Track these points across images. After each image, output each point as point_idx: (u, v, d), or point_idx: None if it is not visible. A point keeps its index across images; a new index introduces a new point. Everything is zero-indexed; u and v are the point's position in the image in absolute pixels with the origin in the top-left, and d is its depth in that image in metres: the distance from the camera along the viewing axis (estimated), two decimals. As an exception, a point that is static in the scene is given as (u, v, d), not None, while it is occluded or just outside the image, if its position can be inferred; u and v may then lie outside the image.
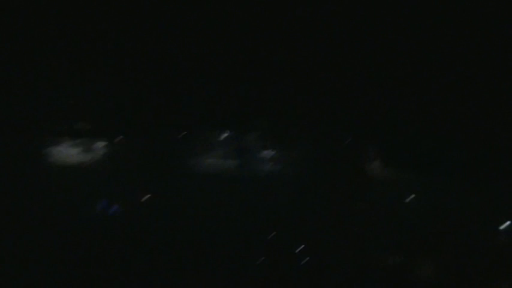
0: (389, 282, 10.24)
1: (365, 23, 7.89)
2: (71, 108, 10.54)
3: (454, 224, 10.70)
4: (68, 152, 11.40)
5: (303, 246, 10.79)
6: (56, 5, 7.96)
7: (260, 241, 11.07)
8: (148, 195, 11.25)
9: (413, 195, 11.00)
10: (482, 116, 9.49)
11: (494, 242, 10.49)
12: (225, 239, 11.00)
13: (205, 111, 10.94)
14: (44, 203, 10.92)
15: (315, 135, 11.03)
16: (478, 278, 9.83)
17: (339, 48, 8.65)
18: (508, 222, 10.39)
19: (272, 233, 11.18)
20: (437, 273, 9.90)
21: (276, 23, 8.39)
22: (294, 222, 11.13)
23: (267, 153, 11.43)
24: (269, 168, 11.53)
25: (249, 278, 10.52)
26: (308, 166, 11.23)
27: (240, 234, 11.12)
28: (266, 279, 10.55)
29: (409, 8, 7.40)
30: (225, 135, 11.33)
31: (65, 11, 8.17)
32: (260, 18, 8.31)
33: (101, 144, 11.30)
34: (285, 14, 8.25)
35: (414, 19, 7.62)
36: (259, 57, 9.40)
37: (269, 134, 11.03)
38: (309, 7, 7.72)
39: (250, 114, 10.75)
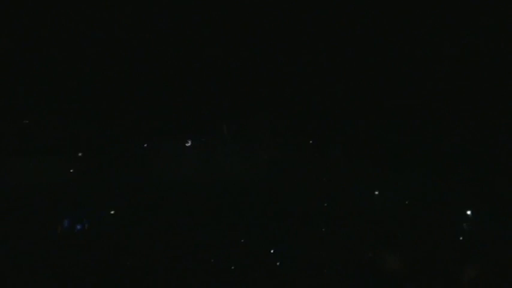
0: (361, 278, 10.46)
1: (346, 23, 7.99)
2: (31, 126, 10.23)
3: (419, 217, 11.02)
4: (32, 170, 11.08)
5: (276, 248, 10.90)
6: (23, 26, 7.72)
7: (231, 245, 11.10)
8: (113, 211, 11.10)
9: (377, 192, 11.32)
10: (443, 107, 9.78)
11: (459, 233, 10.88)
12: (195, 244, 10.98)
13: (166, 119, 10.84)
14: (10, 222, 10.59)
15: (280, 138, 11.11)
16: (446, 268, 10.18)
17: (301, 49, 8.71)
18: (469, 212, 10.82)
19: (242, 237, 11.23)
20: (405, 266, 10.18)
21: (251, 32, 8.38)
22: (265, 225, 11.23)
23: (235, 158, 11.45)
24: (236, 173, 11.58)
25: (221, 283, 10.54)
26: (276, 167, 11.33)
27: (210, 238, 11.14)
28: (238, 282, 10.60)
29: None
30: (189, 143, 11.27)
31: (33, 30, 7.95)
32: (235, 30, 8.29)
33: (61, 161, 11.02)
34: (260, 21, 8.24)
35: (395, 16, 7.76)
36: (218, 64, 9.36)
37: (236, 139, 11.04)
38: (289, 9, 7.75)
39: (215, 120, 10.73)
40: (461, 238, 10.78)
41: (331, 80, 9.57)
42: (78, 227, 11.33)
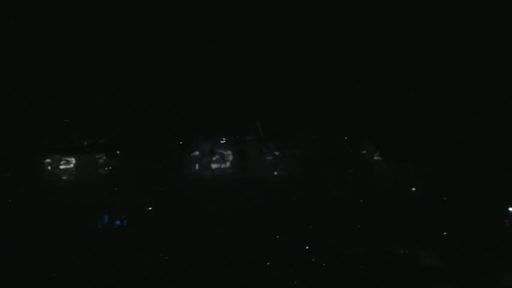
0: (395, 275, 10.28)
1: (358, 21, 7.83)
2: (67, 125, 10.47)
3: (458, 214, 10.77)
4: (66, 169, 11.39)
5: (308, 246, 10.87)
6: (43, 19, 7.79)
7: (267, 243, 11.13)
8: (150, 207, 11.30)
9: (414, 189, 11.11)
10: (482, 103, 9.46)
11: (499, 230, 10.58)
12: (232, 243, 11.05)
13: (201, 118, 10.90)
14: (45, 221, 10.88)
15: (312, 134, 11.04)
16: (483, 266, 9.89)
17: (331, 46, 8.54)
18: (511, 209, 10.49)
19: (278, 234, 11.25)
20: (442, 263, 9.96)
21: (266, 25, 8.26)
22: (297, 222, 11.20)
23: (267, 155, 11.48)
24: (270, 170, 11.59)
25: (259, 280, 10.56)
26: (308, 166, 11.28)
27: (246, 236, 11.18)
28: (276, 280, 10.60)
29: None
30: (223, 140, 11.35)
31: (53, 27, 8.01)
32: (249, 21, 8.18)
33: (99, 160, 11.30)
34: (275, 14, 8.12)
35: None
36: (252, 60, 9.29)
37: (267, 136, 11.02)
38: (299, 8, 7.65)
39: (246, 118, 10.71)
40: (502, 236, 10.48)
41: (367, 74, 9.35)
42: (117, 223, 11.63)
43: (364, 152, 10.96)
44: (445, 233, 10.46)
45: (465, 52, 8.54)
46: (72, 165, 11.08)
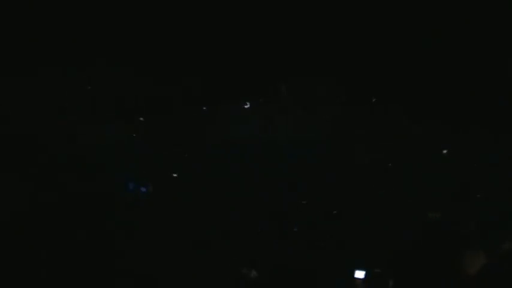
0: (429, 238, 10.04)
1: None
2: (89, 93, 10.40)
3: (491, 177, 10.44)
4: (91, 136, 11.34)
5: (335, 211, 10.71)
6: None
7: (292, 209, 11.01)
8: (176, 174, 11.22)
9: (445, 151, 10.77)
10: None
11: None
12: (257, 209, 10.96)
13: (224, 83, 10.72)
14: (70, 189, 10.91)
15: (339, 98, 10.77)
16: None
17: (357, 7, 8.28)
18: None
19: (303, 200, 11.10)
20: (476, 228, 9.69)
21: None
22: (324, 188, 11.02)
23: (292, 119, 11.24)
24: (296, 135, 11.36)
25: (286, 245, 10.47)
26: (335, 130, 11.02)
27: (273, 202, 11.07)
28: (302, 245, 10.50)
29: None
30: (248, 105, 11.14)
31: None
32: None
33: (123, 126, 11.21)
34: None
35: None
36: (275, 24, 9.08)
37: (292, 100, 10.79)
38: None
39: (270, 83, 10.49)
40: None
41: (394, 39, 9.07)
42: (143, 189, 11.59)
43: (394, 113, 10.64)
44: (478, 196, 10.20)
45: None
46: (94, 133, 11.02)
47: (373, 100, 10.49)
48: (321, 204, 10.90)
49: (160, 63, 10.04)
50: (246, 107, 10.86)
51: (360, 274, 7.15)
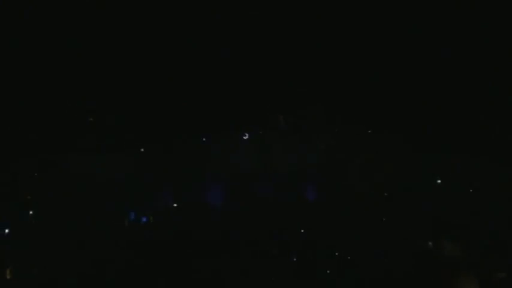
0: (417, 267, 10.16)
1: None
2: (90, 125, 10.61)
3: (484, 206, 10.66)
4: (91, 168, 11.51)
5: (332, 241, 10.85)
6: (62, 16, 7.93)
7: (290, 238, 11.13)
8: (175, 204, 11.40)
9: (439, 181, 11.03)
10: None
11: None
12: (254, 237, 11.04)
13: (223, 114, 10.98)
14: (72, 220, 11.01)
15: (335, 128, 11.03)
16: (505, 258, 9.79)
17: (351, 38, 8.59)
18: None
19: (300, 229, 11.26)
20: (466, 255, 9.86)
21: (284, 21, 8.32)
22: (320, 217, 11.19)
23: (289, 150, 11.47)
24: (293, 165, 11.59)
25: (281, 273, 10.54)
26: (331, 160, 11.27)
27: (269, 230, 11.19)
28: (298, 274, 10.57)
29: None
30: (246, 136, 11.38)
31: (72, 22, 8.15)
32: (273, 16, 8.25)
33: (123, 158, 11.41)
34: (296, 12, 8.17)
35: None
36: (273, 56, 9.36)
37: (289, 132, 11.05)
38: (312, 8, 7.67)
39: (267, 114, 10.76)
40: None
41: (390, 70, 9.36)
42: (144, 219, 11.76)
43: (388, 144, 10.89)
44: (468, 225, 10.36)
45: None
46: (97, 163, 11.20)
47: (369, 132, 10.78)
48: (317, 234, 11.06)
49: (161, 95, 10.28)
50: (245, 138, 11.13)
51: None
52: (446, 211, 10.57)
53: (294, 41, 9.01)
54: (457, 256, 5.15)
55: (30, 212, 11.09)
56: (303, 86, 10.63)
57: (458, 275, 4.37)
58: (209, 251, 10.57)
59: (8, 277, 9.11)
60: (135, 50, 8.95)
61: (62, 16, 7.17)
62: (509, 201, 10.46)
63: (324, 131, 10.98)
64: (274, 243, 10.80)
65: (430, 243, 10.62)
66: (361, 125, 10.98)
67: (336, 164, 11.27)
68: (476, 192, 10.88)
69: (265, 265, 10.50)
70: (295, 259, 10.76)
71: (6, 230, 10.31)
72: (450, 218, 10.38)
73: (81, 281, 9.64)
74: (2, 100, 9.11)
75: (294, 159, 11.55)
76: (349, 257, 10.79)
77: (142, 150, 11.13)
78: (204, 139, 10.75)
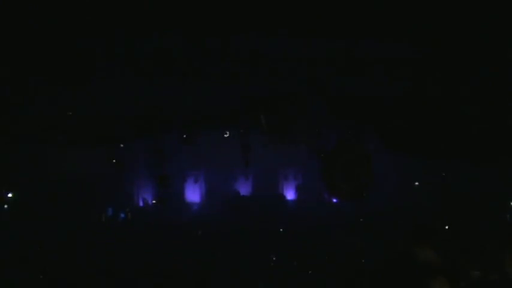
0: (397, 272, 10.23)
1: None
2: (70, 118, 10.48)
3: (462, 209, 10.76)
4: (70, 161, 11.39)
5: (312, 243, 10.88)
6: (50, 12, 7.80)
7: (271, 239, 11.13)
8: (154, 200, 11.33)
9: (417, 183, 11.10)
10: (487, 99, 9.45)
11: (503, 225, 10.54)
12: (236, 240, 11.01)
13: (205, 112, 10.92)
14: (50, 213, 10.89)
15: (316, 129, 11.03)
16: (486, 262, 9.86)
17: (336, 42, 8.56)
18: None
19: (279, 228, 11.28)
20: (444, 259, 9.95)
21: (269, 22, 8.27)
22: (302, 218, 11.21)
23: (271, 150, 11.45)
24: (274, 165, 11.58)
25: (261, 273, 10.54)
26: (312, 161, 11.27)
27: (251, 233, 11.18)
28: (282, 273, 10.56)
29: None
30: (227, 134, 11.33)
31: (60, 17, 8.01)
32: (256, 18, 8.19)
33: (103, 153, 11.29)
34: (279, 14, 8.13)
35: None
36: (257, 55, 9.30)
37: (271, 131, 11.02)
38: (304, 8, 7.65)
39: (251, 112, 10.71)
40: (503, 230, 10.45)
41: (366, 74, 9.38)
42: (122, 215, 11.68)
43: (368, 146, 10.92)
44: (445, 228, 10.43)
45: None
46: (76, 158, 11.06)
47: (349, 132, 10.77)
48: (298, 236, 11.06)
49: (142, 90, 10.16)
50: (225, 136, 11.07)
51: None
52: (425, 214, 10.66)
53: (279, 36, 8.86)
54: (431, 258, 5.17)
55: (5, 206, 10.94)
56: (284, 86, 10.55)
57: (432, 276, 4.40)
58: (187, 247, 10.57)
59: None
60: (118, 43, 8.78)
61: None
62: (485, 201, 10.57)
63: (306, 130, 10.96)
64: (253, 241, 10.80)
65: (406, 246, 10.68)
66: (342, 126, 10.99)
67: (317, 163, 11.27)
68: (453, 193, 10.98)
69: (244, 263, 10.50)
70: (274, 258, 10.78)
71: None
72: (427, 222, 10.46)
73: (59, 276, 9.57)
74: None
75: (275, 158, 11.55)
76: (326, 257, 10.83)
77: (122, 145, 11.02)
78: (184, 136, 10.65)
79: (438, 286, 4.29)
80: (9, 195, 11.40)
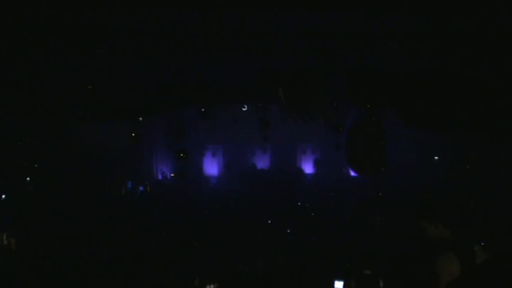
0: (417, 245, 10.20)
1: None
2: (90, 92, 10.51)
3: (480, 184, 10.67)
4: (90, 136, 11.48)
5: (328, 212, 10.88)
6: None
7: (286, 212, 11.16)
8: (173, 174, 11.40)
9: (436, 157, 10.99)
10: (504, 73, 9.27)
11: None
12: (253, 214, 11.06)
13: (224, 86, 10.90)
14: (71, 187, 11.00)
15: (335, 104, 10.97)
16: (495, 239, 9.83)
17: (352, 16, 8.39)
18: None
19: (297, 203, 11.29)
20: (452, 236, 9.89)
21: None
22: (320, 192, 11.21)
23: (289, 124, 11.43)
24: (293, 140, 11.56)
25: (275, 246, 10.54)
26: (330, 135, 11.25)
27: (265, 205, 11.21)
28: (292, 246, 10.59)
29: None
30: (245, 108, 11.31)
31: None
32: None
33: (123, 126, 11.35)
34: None
35: None
36: (277, 29, 9.18)
37: (290, 106, 10.97)
38: None
39: (269, 87, 10.66)
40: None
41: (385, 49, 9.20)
42: (141, 189, 11.78)
43: (386, 121, 10.83)
44: (459, 204, 10.33)
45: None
46: (96, 132, 11.14)
47: (368, 106, 10.68)
48: (312, 209, 11.07)
49: (160, 66, 10.16)
50: (244, 109, 11.08)
51: (339, 284, 7.30)
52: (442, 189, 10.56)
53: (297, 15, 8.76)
54: (441, 234, 5.12)
55: (28, 179, 11.10)
56: (303, 61, 10.46)
57: (439, 253, 4.40)
58: (206, 221, 10.64)
59: (5, 243, 9.14)
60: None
61: None
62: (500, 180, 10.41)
63: (324, 105, 10.88)
64: (267, 216, 10.83)
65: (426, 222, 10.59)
66: (362, 100, 10.88)
67: (335, 138, 11.23)
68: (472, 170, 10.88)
69: (257, 237, 10.55)
70: (288, 230, 10.79)
71: (3, 196, 10.32)
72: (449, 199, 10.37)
73: (78, 246, 9.69)
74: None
75: (293, 132, 11.54)
76: (344, 231, 10.84)
77: (140, 119, 11.06)
78: (202, 110, 10.67)
79: (447, 262, 4.28)
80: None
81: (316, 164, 12.27)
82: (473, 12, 7.38)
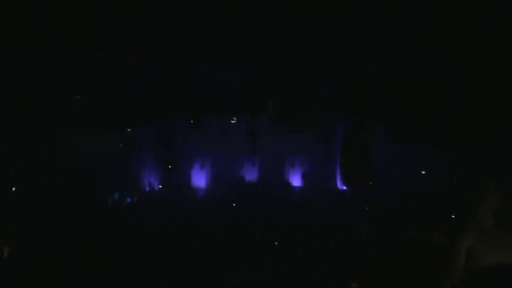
0: (404, 257, 10.19)
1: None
2: (79, 101, 10.49)
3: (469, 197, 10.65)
4: (78, 145, 11.37)
5: (319, 225, 10.85)
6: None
7: (278, 225, 11.11)
8: (161, 185, 11.33)
9: (423, 172, 11.04)
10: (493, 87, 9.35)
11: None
12: (241, 227, 10.98)
13: (213, 97, 10.89)
14: (56, 196, 10.87)
15: (324, 116, 10.99)
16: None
17: (343, 26, 8.47)
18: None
19: (291, 216, 11.26)
20: (450, 246, 9.89)
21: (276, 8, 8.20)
22: (308, 205, 11.19)
23: (279, 136, 11.42)
24: (281, 152, 11.54)
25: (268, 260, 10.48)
26: (319, 148, 11.25)
27: (254, 216, 11.17)
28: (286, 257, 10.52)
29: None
30: (234, 120, 11.30)
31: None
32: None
33: (111, 136, 11.29)
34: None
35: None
36: (266, 41, 9.25)
37: (279, 117, 10.99)
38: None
39: (259, 98, 10.69)
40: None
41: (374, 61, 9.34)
42: (128, 200, 11.67)
43: (375, 134, 10.88)
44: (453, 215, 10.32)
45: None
46: (84, 142, 11.05)
47: (356, 119, 10.71)
48: (304, 222, 11.04)
49: (149, 75, 10.14)
50: (232, 121, 11.05)
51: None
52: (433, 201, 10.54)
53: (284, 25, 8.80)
54: (442, 246, 5.10)
55: (13, 188, 10.95)
56: (292, 71, 10.51)
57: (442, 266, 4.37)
58: (193, 232, 10.56)
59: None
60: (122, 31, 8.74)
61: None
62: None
63: (313, 117, 10.91)
64: (257, 226, 10.78)
65: (416, 232, 10.62)
66: (348, 111, 10.92)
67: (324, 151, 11.25)
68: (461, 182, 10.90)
69: (249, 246, 10.49)
70: (277, 243, 10.76)
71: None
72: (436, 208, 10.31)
73: (65, 257, 9.54)
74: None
75: (282, 144, 11.53)
76: (333, 243, 10.81)
77: (129, 130, 11.00)
78: (191, 121, 10.63)
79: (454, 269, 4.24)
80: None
81: (305, 176, 12.25)
82: (461, 25, 7.44)
